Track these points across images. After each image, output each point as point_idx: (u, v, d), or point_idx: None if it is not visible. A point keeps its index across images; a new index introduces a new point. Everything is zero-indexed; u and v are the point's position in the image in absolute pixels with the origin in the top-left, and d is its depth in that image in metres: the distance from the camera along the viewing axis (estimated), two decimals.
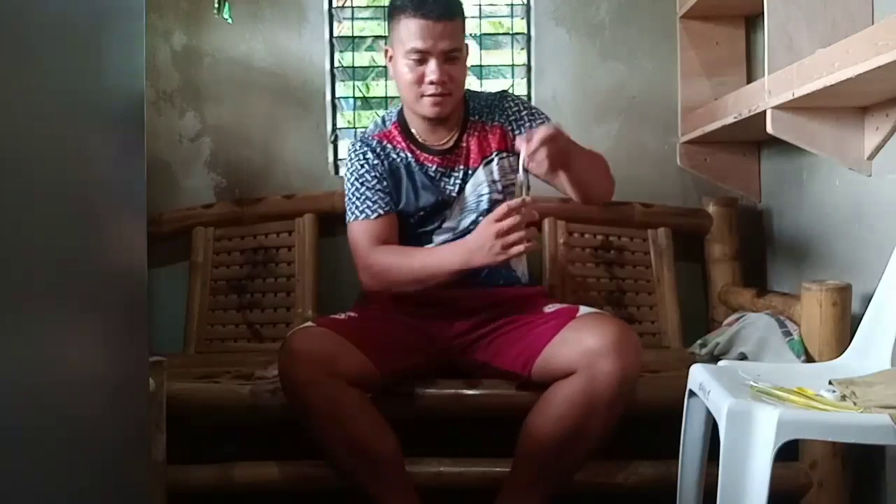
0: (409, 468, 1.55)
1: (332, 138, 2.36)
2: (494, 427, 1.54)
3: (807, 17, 1.64)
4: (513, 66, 2.39)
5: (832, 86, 1.40)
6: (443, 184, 1.71)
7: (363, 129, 1.83)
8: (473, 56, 2.41)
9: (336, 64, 2.39)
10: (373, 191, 1.69)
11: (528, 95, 2.36)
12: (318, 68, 2.34)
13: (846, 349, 1.45)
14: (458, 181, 1.71)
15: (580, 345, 1.46)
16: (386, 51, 1.72)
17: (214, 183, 2.33)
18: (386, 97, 2.43)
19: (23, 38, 0.68)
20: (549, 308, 1.64)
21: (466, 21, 1.69)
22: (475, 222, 1.67)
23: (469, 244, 1.53)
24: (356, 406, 1.49)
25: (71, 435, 0.78)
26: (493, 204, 1.67)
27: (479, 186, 1.71)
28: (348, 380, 1.48)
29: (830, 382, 1.24)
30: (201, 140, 2.33)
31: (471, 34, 2.41)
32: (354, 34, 2.42)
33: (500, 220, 1.47)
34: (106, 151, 0.86)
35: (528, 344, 1.56)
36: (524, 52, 2.38)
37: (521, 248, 1.47)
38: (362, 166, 1.70)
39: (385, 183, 1.69)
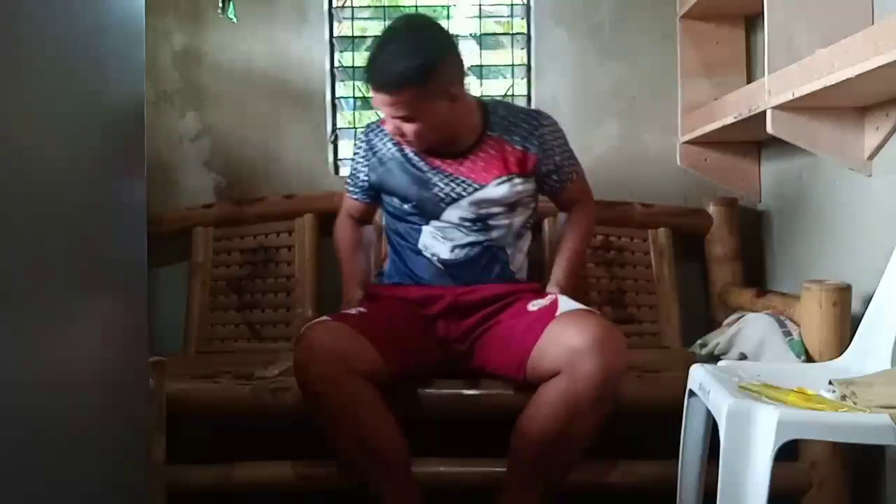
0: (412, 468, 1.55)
1: (332, 138, 2.36)
2: (494, 427, 1.54)
3: (807, 17, 1.64)
4: (513, 65, 2.39)
5: (832, 86, 1.40)
6: (437, 184, 1.71)
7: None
8: (473, 56, 2.41)
9: (336, 64, 2.39)
10: (357, 178, 1.85)
11: (528, 95, 2.36)
12: (318, 68, 2.34)
13: (846, 349, 1.45)
14: (461, 188, 1.71)
15: (563, 345, 1.47)
16: None
17: (214, 183, 2.33)
18: None
19: (24, 39, 0.68)
20: (533, 306, 1.64)
21: (434, 83, 1.59)
22: (462, 220, 1.71)
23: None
24: (370, 404, 1.49)
25: (71, 435, 0.78)
26: (493, 215, 1.71)
27: (483, 200, 1.70)
28: (363, 376, 1.48)
29: (830, 382, 1.24)
30: (201, 140, 2.33)
31: (471, 34, 2.41)
32: (354, 34, 2.42)
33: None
34: (106, 151, 0.86)
35: (516, 347, 1.56)
36: (524, 52, 2.38)
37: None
38: (358, 151, 1.85)
39: (366, 176, 1.82)
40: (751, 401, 1.15)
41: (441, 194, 1.71)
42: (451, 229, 1.71)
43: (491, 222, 1.72)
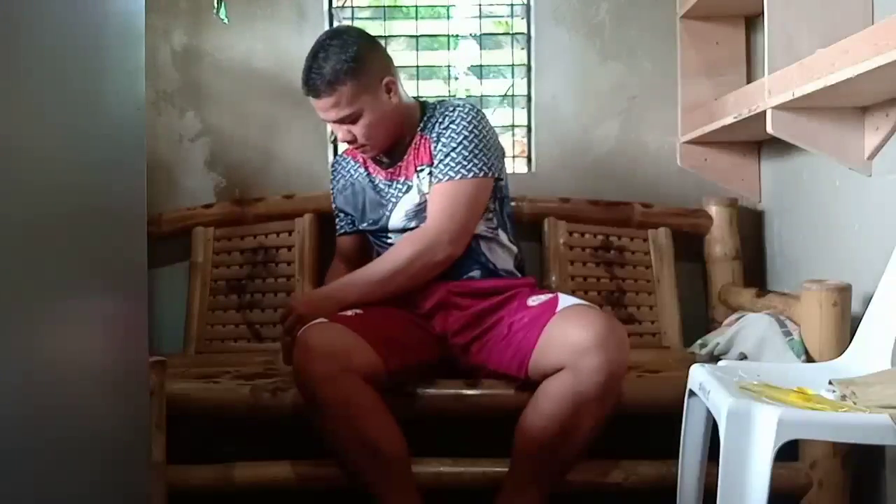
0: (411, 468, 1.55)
1: (332, 138, 2.36)
2: (494, 427, 1.54)
3: (807, 17, 1.64)
4: (513, 65, 2.39)
5: (832, 86, 1.40)
6: (388, 195, 1.78)
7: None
8: (473, 56, 2.41)
9: None
10: (337, 211, 1.92)
11: (528, 95, 2.36)
12: None
13: (846, 349, 1.45)
14: (398, 191, 1.76)
15: (566, 341, 1.47)
16: None
17: (214, 183, 2.33)
18: None
19: (24, 39, 0.68)
20: (533, 301, 1.64)
21: (365, 75, 1.66)
22: (408, 218, 1.74)
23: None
24: (369, 404, 1.49)
25: (71, 435, 0.78)
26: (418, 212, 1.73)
27: (413, 198, 1.74)
28: (362, 376, 1.48)
29: (830, 382, 1.24)
30: (201, 140, 2.33)
31: (471, 34, 2.41)
32: None
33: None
34: (106, 151, 0.86)
35: (518, 345, 1.56)
36: (524, 52, 2.38)
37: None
38: (332, 187, 1.93)
39: (344, 203, 1.88)
40: (751, 401, 1.15)
41: (387, 199, 1.77)
42: (406, 228, 1.74)
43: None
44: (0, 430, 0.65)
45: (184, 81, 2.33)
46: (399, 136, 1.76)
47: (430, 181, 1.71)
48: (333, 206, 1.93)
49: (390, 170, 1.78)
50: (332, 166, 1.95)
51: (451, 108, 1.73)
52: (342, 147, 2.11)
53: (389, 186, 1.78)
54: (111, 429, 0.87)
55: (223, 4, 2.05)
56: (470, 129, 1.69)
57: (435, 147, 1.71)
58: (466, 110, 1.72)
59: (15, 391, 0.67)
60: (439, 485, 1.61)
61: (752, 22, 2.23)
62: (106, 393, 0.86)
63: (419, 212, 1.74)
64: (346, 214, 1.89)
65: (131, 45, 0.92)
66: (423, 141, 1.74)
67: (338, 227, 1.93)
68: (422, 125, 1.76)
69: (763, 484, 1.07)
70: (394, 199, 1.77)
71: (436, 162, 1.70)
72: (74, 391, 0.79)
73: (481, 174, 1.68)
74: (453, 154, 1.68)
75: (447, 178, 1.68)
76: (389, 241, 1.78)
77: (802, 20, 1.64)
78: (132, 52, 0.92)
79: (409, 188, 1.75)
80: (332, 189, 1.93)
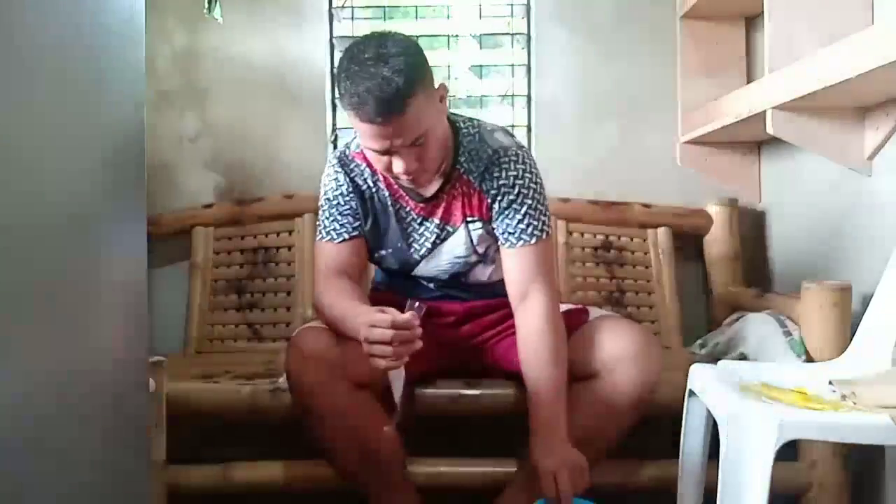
0: (409, 468, 1.55)
1: (332, 138, 2.36)
2: (494, 427, 1.53)
3: (807, 17, 1.64)
4: (513, 65, 2.39)
5: (832, 86, 1.40)
6: (419, 231, 1.57)
7: (347, 144, 1.61)
8: (474, 55, 2.42)
9: (336, 64, 2.38)
10: (342, 214, 1.55)
11: (528, 95, 2.36)
12: (318, 68, 2.34)
13: (846, 349, 1.45)
14: (434, 235, 1.56)
15: (601, 349, 1.45)
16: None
17: (214, 183, 2.33)
18: None
19: (23, 39, 0.68)
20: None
21: (428, 80, 1.38)
22: (449, 278, 1.60)
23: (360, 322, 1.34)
24: (363, 409, 1.46)
25: (71, 435, 0.78)
26: (469, 267, 1.58)
27: (457, 247, 1.56)
28: (356, 381, 1.45)
29: (830, 382, 1.24)
30: (201, 140, 2.33)
31: (471, 34, 2.41)
32: (354, 34, 2.42)
33: (374, 325, 1.29)
34: (106, 152, 0.86)
35: None
36: (524, 52, 2.38)
37: (381, 363, 1.30)
38: (336, 188, 1.56)
39: (355, 205, 1.55)
40: (751, 401, 1.15)
41: (413, 237, 1.58)
42: (437, 278, 1.63)
43: (469, 274, 1.60)
44: None
45: (184, 81, 2.33)
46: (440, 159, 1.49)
47: (485, 235, 1.54)
48: (338, 206, 1.56)
49: (423, 204, 1.54)
50: (340, 161, 1.57)
51: (504, 157, 1.49)
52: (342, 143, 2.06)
53: (419, 223, 1.56)
54: (111, 429, 0.87)
55: (217, 3, 2.04)
56: (535, 186, 1.51)
57: (496, 206, 1.50)
58: (522, 160, 1.50)
59: (14, 392, 0.67)
60: (439, 485, 1.60)
61: (752, 22, 2.23)
62: (106, 393, 0.86)
63: (458, 264, 1.57)
64: (355, 218, 1.55)
65: (131, 45, 0.92)
66: (472, 191, 1.52)
67: (337, 231, 1.55)
68: (461, 164, 1.51)
69: (763, 484, 1.07)
70: (425, 243, 1.57)
71: (505, 225, 1.50)
72: (74, 391, 0.79)
73: (547, 234, 1.52)
74: (529, 217, 1.49)
75: (534, 238, 1.49)
76: (408, 284, 1.61)
77: (802, 20, 1.65)
78: (132, 52, 0.92)
79: (449, 234, 1.55)
80: (341, 187, 1.56)
